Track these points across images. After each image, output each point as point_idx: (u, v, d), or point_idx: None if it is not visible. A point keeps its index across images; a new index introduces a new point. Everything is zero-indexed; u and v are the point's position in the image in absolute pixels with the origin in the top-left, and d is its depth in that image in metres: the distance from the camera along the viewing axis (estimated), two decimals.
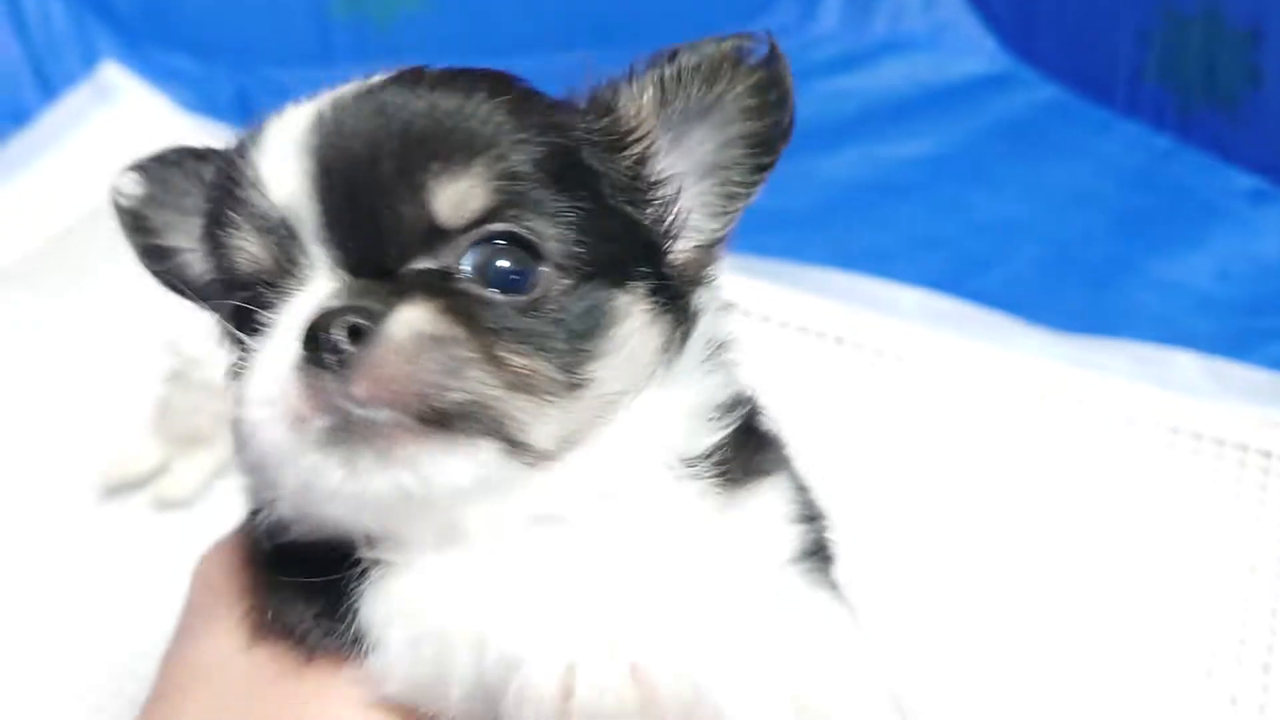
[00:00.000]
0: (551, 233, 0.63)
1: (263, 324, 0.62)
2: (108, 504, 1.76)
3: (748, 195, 0.74)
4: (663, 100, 0.70)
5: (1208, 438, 1.69)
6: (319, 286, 0.62)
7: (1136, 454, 1.72)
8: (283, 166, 0.61)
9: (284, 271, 0.63)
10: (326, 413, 0.59)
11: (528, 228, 0.63)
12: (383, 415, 0.58)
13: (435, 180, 0.61)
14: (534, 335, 0.62)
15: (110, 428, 1.88)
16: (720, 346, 0.76)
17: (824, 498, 0.84)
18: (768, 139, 0.71)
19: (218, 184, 0.65)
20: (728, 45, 0.69)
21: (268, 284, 0.64)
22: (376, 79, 0.65)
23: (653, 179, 0.71)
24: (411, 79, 0.64)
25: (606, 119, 0.69)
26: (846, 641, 0.70)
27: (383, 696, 0.63)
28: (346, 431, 0.59)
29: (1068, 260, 2.08)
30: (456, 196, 0.61)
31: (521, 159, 0.63)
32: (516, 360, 0.61)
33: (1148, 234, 2.10)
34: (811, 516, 0.79)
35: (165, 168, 0.72)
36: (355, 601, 0.65)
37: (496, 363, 0.60)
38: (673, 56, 0.70)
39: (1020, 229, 2.18)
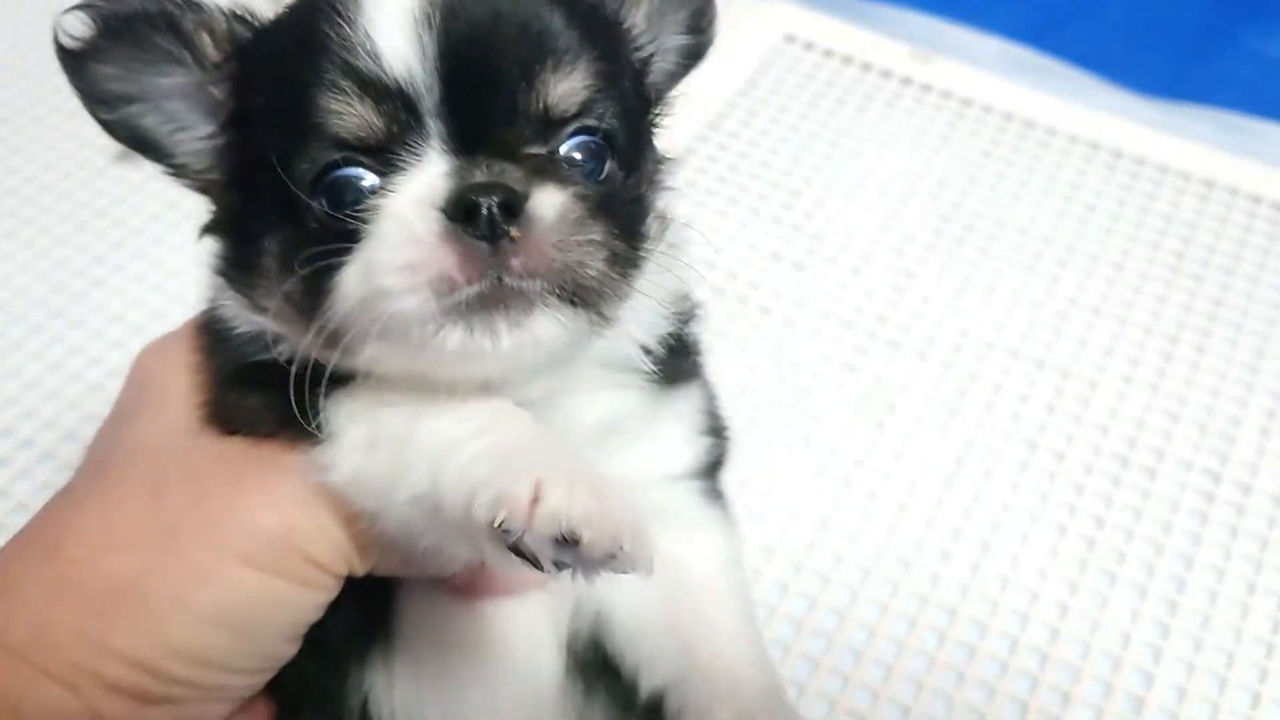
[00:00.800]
0: (619, 128, 0.70)
1: (350, 189, 0.64)
2: (117, 165, 1.67)
3: (669, 95, 0.82)
4: (653, 13, 0.78)
5: None
6: (435, 161, 0.64)
7: (1217, 223, 1.63)
8: (400, 37, 0.63)
9: (393, 141, 0.64)
10: (481, 279, 0.62)
11: (610, 124, 0.69)
12: (533, 286, 0.62)
13: (552, 75, 0.65)
14: (617, 220, 0.67)
15: None
16: (676, 248, 0.80)
17: None
18: (699, 50, 0.81)
19: (310, 42, 0.65)
20: None
21: (367, 150, 0.64)
22: None
23: (648, 79, 0.79)
24: None
25: (623, 24, 0.76)
26: (724, 566, 0.83)
27: (323, 482, 0.67)
28: (493, 298, 0.62)
29: (1159, 23, 1.94)
30: (567, 90, 0.66)
31: (604, 63, 0.68)
32: (614, 242, 0.66)
33: (1246, 2, 1.96)
34: (716, 430, 0.85)
35: (121, 9, 0.69)
36: (320, 401, 0.68)
37: (605, 244, 0.65)
38: None
39: None
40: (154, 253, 1.53)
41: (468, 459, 0.63)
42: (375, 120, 0.64)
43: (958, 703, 1.15)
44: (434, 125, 0.64)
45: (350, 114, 0.64)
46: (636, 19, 0.77)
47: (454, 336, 0.62)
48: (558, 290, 0.63)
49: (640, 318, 0.74)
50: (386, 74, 0.63)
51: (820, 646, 1.19)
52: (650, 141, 0.78)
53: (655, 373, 0.76)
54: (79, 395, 1.38)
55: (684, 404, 0.80)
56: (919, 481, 1.33)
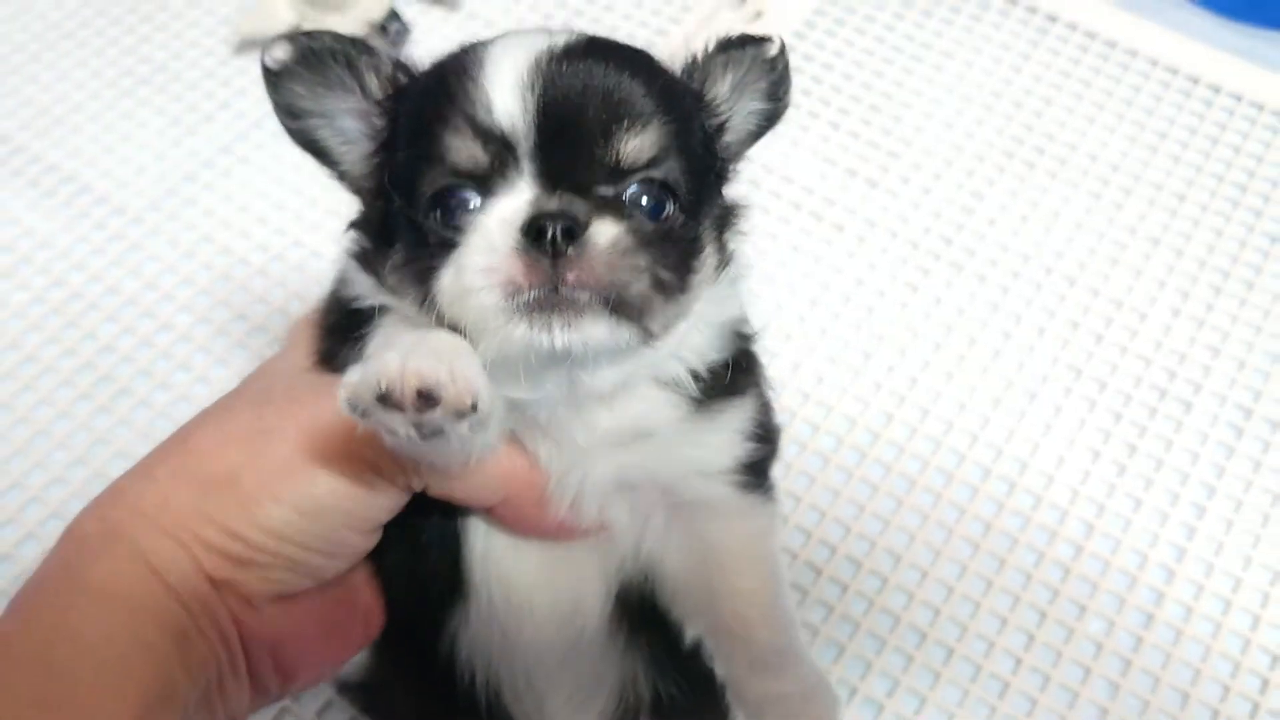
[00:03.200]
0: (682, 180, 0.84)
1: (460, 206, 0.81)
2: (239, 57, 1.78)
3: (744, 154, 0.95)
4: (736, 85, 0.91)
5: None
6: (524, 191, 0.80)
7: None
8: (508, 96, 0.79)
9: (494, 173, 0.80)
10: (540, 286, 0.77)
11: (672, 176, 0.83)
12: (582, 297, 0.77)
13: (625, 134, 0.81)
14: (667, 253, 0.82)
15: None
16: (739, 280, 0.94)
17: None
18: (775, 115, 0.95)
19: (443, 92, 0.82)
20: (767, 46, 0.92)
21: (474, 178, 0.81)
22: (573, 40, 0.84)
23: (722, 139, 0.92)
24: (602, 51, 0.84)
25: (704, 95, 0.91)
26: (753, 539, 0.97)
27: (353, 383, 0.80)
28: (549, 302, 0.77)
29: None
30: (636, 148, 0.81)
31: (673, 128, 0.83)
32: (660, 272, 0.81)
33: None
34: (764, 436, 0.96)
35: (315, 45, 0.86)
36: (368, 339, 0.87)
37: (650, 271, 0.80)
38: (738, 46, 0.91)
39: None
40: (273, 146, 1.66)
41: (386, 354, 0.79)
42: (481, 156, 0.80)
43: (983, 609, 1.30)
44: (527, 164, 0.80)
45: (464, 149, 0.80)
46: (721, 90, 0.92)
47: (519, 329, 0.78)
48: (602, 302, 0.78)
49: (689, 343, 0.89)
50: (494, 123, 0.80)
51: (864, 549, 1.34)
52: (716, 192, 0.92)
53: (705, 390, 0.90)
54: (210, 282, 1.54)
55: (732, 414, 0.93)
56: (968, 401, 1.45)
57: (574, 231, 0.77)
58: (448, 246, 0.80)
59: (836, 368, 1.48)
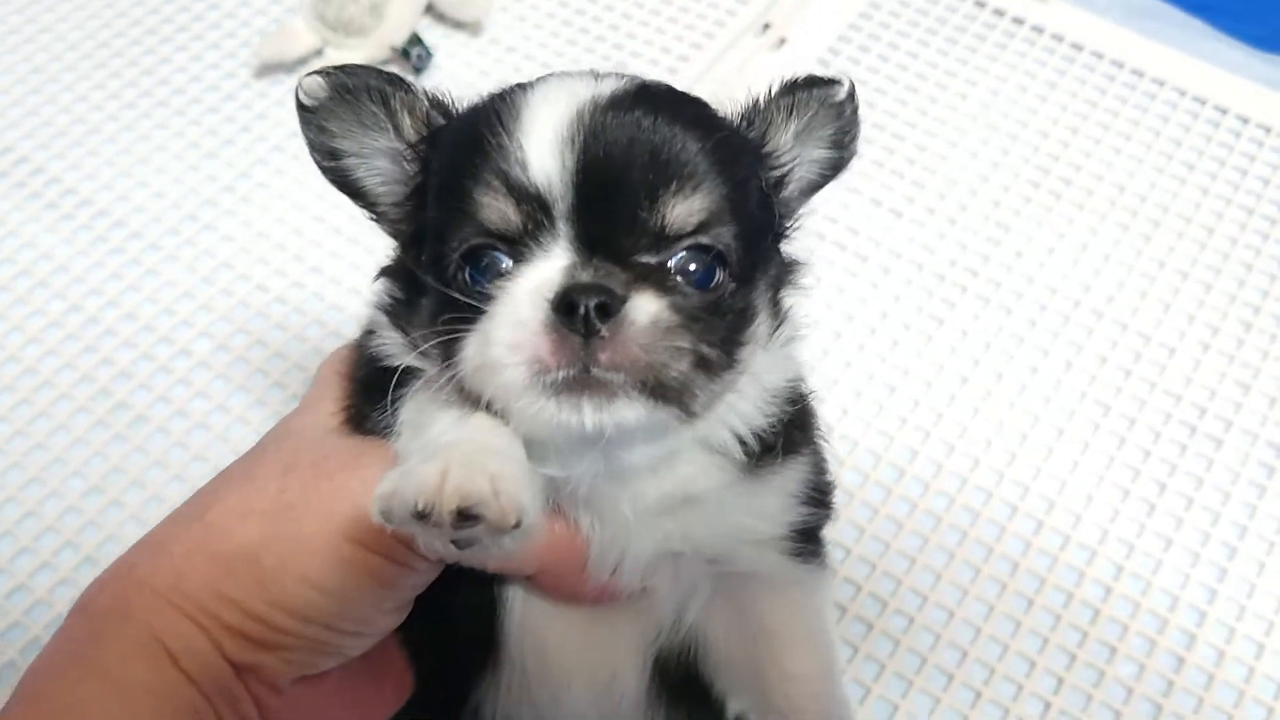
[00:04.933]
0: (734, 246, 0.77)
1: (490, 268, 0.76)
2: (260, 80, 1.77)
3: (806, 205, 0.90)
4: (800, 133, 0.86)
5: None
6: (558, 256, 0.74)
7: None
8: (546, 152, 0.73)
9: (527, 235, 0.74)
10: (570, 367, 0.71)
11: (724, 243, 0.77)
12: (616, 379, 0.71)
13: (672, 198, 0.74)
14: (714, 327, 0.76)
15: (270, 8, 1.87)
16: (794, 341, 0.89)
17: None
18: (840, 164, 0.90)
19: (476, 144, 0.76)
20: (835, 89, 0.86)
21: (506, 239, 0.75)
22: (621, 88, 0.78)
23: (781, 194, 0.86)
24: (652, 101, 0.77)
25: (765, 146, 0.84)
26: (805, 614, 0.92)
27: (394, 464, 0.78)
28: (579, 383, 0.72)
29: None
30: (684, 213, 0.75)
31: (727, 189, 0.77)
32: (704, 349, 0.74)
33: None
34: (818, 499, 0.91)
35: (350, 80, 0.82)
36: (399, 407, 0.82)
37: (694, 351, 0.73)
38: (803, 88, 0.86)
39: None
40: (294, 170, 1.65)
41: (424, 456, 0.73)
42: (514, 216, 0.75)
43: (1011, 651, 1.27)
44: (563, 227, 0.74)
45: (496, 208, 0.75)
46: (784, 139, 0.86)
47: (546, 409, 0.73)
48: (639, 385, 0.72)
49: (738, 409, 0.83)
50: (529, 181, 0.74)
51: (889, 589, 1.31)
52: (772, 253, 0.86)
53: (757, 453, 0.85)
54: (229, 308, 1.52)
55: (785, 477, 0.87)
56: (994, 438, 1.43)
57: (609, 308, 0.71)
58: (475, 312, 0.75)
59: (861, 402, 1.46)
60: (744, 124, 0.85)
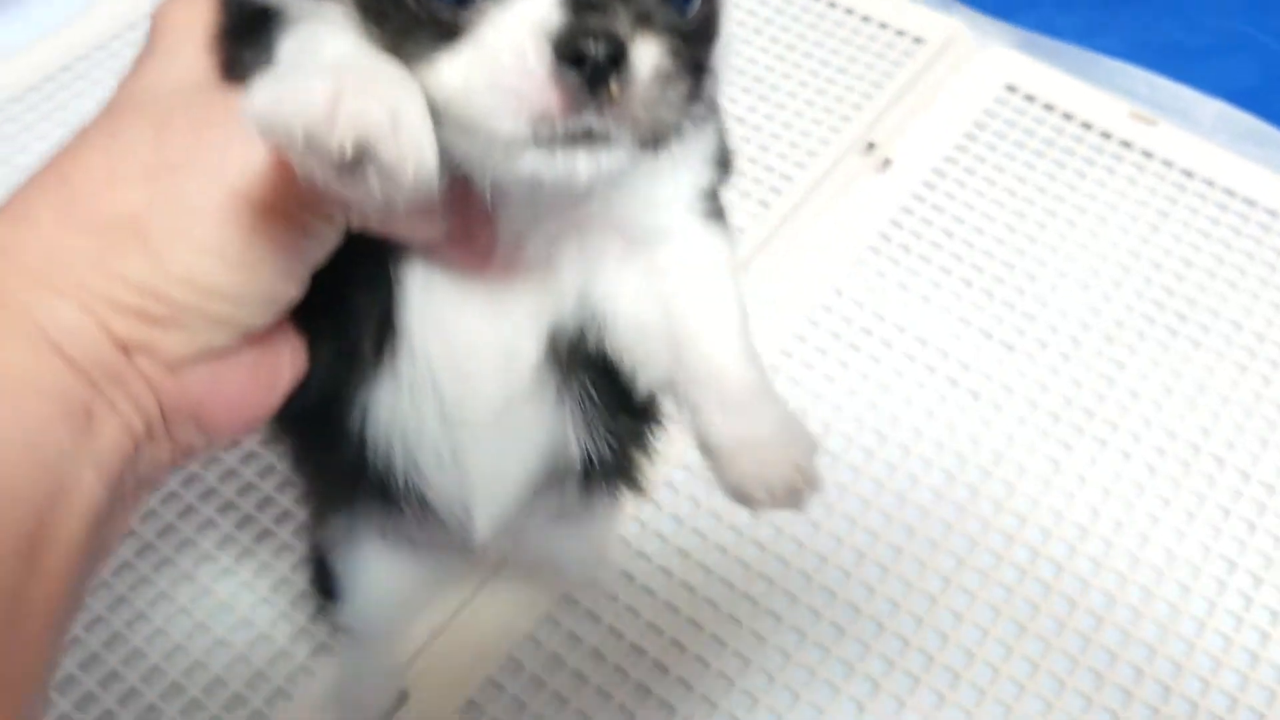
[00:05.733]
0: None
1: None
2: None
3: None
4: None
5: None
6: None
7: None
8: None
9: None
10: (572, 118, 0.64)
11: None
12: (619, 133, 0.66)
13: None
14: (694, 58, 0.70)
15: None
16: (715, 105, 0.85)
17: None
18: None
19: None
20: None
21: None
22: None
23: None
24: None
25: None
26: (714, 273, 0.86)
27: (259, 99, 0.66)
28: (578, 136, 0.65)
29: None
30: None
31: None
32: (691, 87, 0.69)
33: None
34: (723, 164, 0.88)
35: None
36: (279, 41, 0.72)
37: (686, 96, 0.69)
38: None
39: None
40: None
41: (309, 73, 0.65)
42: None
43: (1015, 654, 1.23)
44: None
45: None
46: None
47: (533, 161, 0.66)
48: (635, 136, 0.67)
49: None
50: None
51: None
52: None
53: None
54: None
55: (701, 141, 0.84)
56: (1119, 593, 1.39)
57: (617, 59, 0.64)
58: (444, 26, 0.65)
59: (976, 550, 1.42)
60: None
